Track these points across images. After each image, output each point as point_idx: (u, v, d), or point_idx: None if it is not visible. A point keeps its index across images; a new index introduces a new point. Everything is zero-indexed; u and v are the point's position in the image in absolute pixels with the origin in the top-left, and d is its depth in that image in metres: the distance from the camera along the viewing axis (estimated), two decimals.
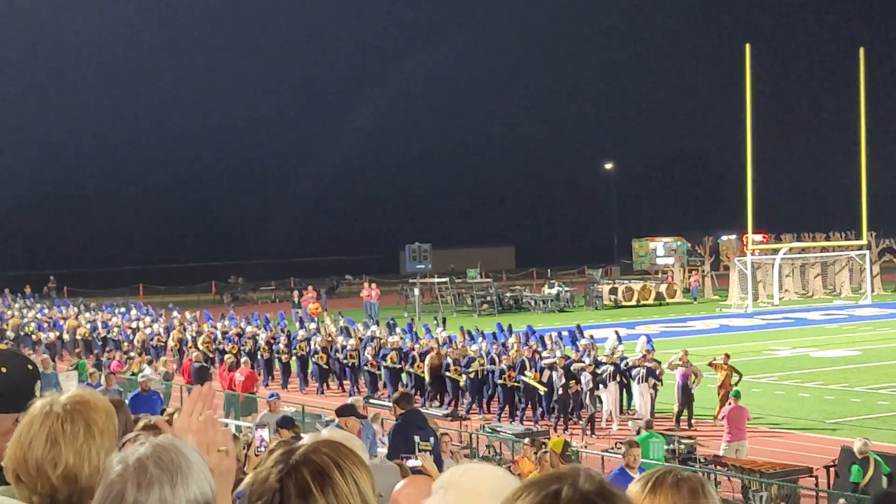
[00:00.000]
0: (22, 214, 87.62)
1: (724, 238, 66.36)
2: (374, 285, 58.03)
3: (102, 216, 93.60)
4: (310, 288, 58.21)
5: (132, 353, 37.23)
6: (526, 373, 27.37)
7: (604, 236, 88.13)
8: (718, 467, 20.83)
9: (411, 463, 10.50)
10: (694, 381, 26.15)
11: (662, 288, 61.46)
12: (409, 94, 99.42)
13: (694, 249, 68.13)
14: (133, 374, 29.44)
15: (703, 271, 64.95)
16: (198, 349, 35.71)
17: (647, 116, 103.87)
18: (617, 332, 30.47)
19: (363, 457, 2.57)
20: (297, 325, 37.85)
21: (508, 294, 60.98)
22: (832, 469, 19.79)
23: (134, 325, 41.51)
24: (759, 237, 58.39)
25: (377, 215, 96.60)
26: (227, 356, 34.37)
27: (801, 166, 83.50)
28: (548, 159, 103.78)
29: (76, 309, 47.05)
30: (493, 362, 28.64)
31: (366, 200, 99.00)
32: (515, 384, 27.41)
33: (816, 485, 19.75)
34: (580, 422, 26.37)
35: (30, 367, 3.54)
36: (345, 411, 13.57)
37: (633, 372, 26.68)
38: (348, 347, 32.84)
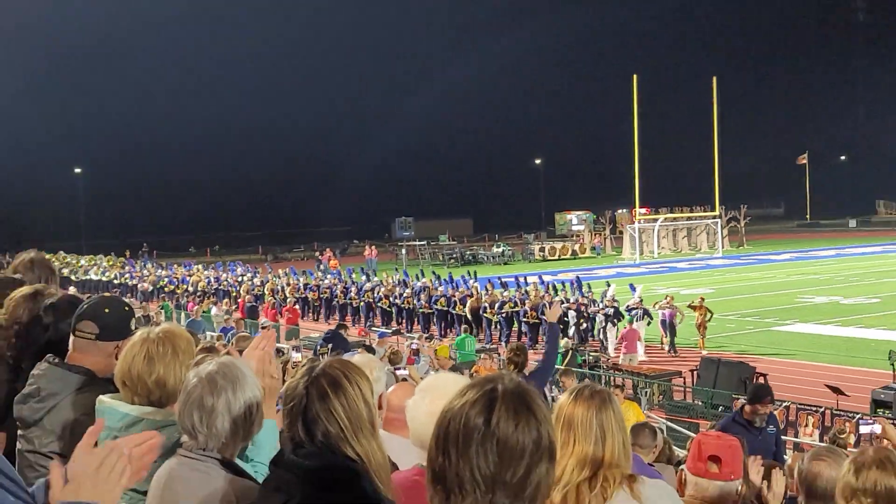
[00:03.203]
0: (115, 193, 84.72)
1: (620, 211, 66.70)
2: (373, 247, 57.72)
3: (177, 194, 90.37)
4: (328, 250, 58.14)
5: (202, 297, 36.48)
6: (547, 313, 26.42)
7: (535, 210, 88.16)
8: (616, 371, 20.98)
9: (401, 372, 10.53)
10: (680, 319, 25.35)
11: (576, 247, 61.66)
12: (407, 104, 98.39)
13: (598, 219, 68.44)
14: (204, 311, 29.20)
15: (605, 235, 65.20)
16: (286, 296, 34.31)
17: (567, 125, 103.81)
18: (609, 283, 29.11)
19: (379, 372, 2.58)
20: (364, 278, 35.77)
21: (468, 252, 60.94)
22: (695, 372, 19.99)
23: (240, 278, 39.09)
24: (643, 210, 58.60)
25: (375, 194, 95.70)
26: (268, 298, 33.93)
27: (673, 159, 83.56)
28: (496, 156, 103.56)
29: (198, 268, 44.31)
30: (515, 304, 27.69)
31: (370, 181, 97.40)
32: (536, 321, 26.43)
33: (684, 383, 19.98)
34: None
35: (126, 308, 3.50)
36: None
37: (632, 312, 25.56)
38: (405, 295, 31.50)
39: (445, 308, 29.95)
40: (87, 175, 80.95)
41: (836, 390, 16.61)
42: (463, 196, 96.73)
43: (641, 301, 26.07)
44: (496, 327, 28.31)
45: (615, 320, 25.53)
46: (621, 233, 61.95)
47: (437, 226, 78.90)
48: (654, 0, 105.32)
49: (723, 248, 59.67)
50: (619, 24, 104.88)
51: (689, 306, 25.64)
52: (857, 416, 15.12)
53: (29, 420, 3.26)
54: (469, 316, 28.79)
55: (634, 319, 25.37)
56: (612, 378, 19.87)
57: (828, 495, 3.61)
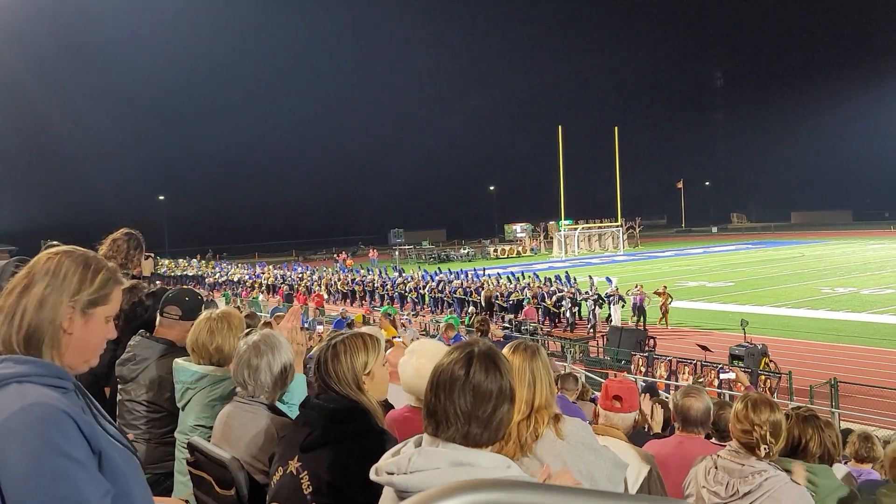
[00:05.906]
0: (186, 214, 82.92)
1: (551, 223, 66.63)
2: (375, 249, 57.60)
3: (232, 213, 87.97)
4: (343, 252, 57.72)
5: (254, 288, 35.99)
6: (546, 300, 25.06)
7: (490, 222, 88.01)
8: (549, 337, 21.03)
9: (396, 340, 10.46)
10: (648, 303, 23.42)
11: (519, 248, 61.63)
12: (401, 151, 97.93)
13: (535, 228, 68.39)
14: (253, 298, 28.83)
15: (540, 239, 65.11)
16: (337, 287, 32.54)
17: (513, 163, 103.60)
18: (591, 277, 26.90)
19: (380, 339, 2.56)
20: (396, 273, 32.91)
21: (443, 253, 60.64)
22: (605, 337, 20.09)
23: (299, 275, 36.43)
24: (569, 221, 58.74)
25: (376, 212, 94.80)
26: (301, 286, 33.00)
27: (588, 185, 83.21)
28: (464, 185, 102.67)
29: (269, 267, 40.92)
30: (520, 293, 25.78)
31: (372, 202, 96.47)
32: (538, 306, 24.78)
33: (598, 344, 20.06)
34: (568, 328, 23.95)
35: (199, 297, 3.48)
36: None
37: (610, 298, 23.79)
38: (429, 287, 29.48)
39: (462, 297, 27.86)
40: (168, 200, 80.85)
41: (704, 348, 16.75)
42: (440, 212, 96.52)
43: (617, 289, 24.29)
44: (503, 310, 25.89)
45: (599, 305, 23.93)
46: (552, 238, 62.09)
47: (420, 234, 78.72)
48: (570, 70, 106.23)
49: (623, 248, 59.82)
50: (545, 89, 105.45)
51: (655, 292, 23.93)
52: (719, 367, 15.26)
53: (127, 377, 3.25)
54: (483, 302, 26.31)
55: (612, 303, 23.55)
56: (546, 341, 19.92)
57: (698, 421, 3.61)
